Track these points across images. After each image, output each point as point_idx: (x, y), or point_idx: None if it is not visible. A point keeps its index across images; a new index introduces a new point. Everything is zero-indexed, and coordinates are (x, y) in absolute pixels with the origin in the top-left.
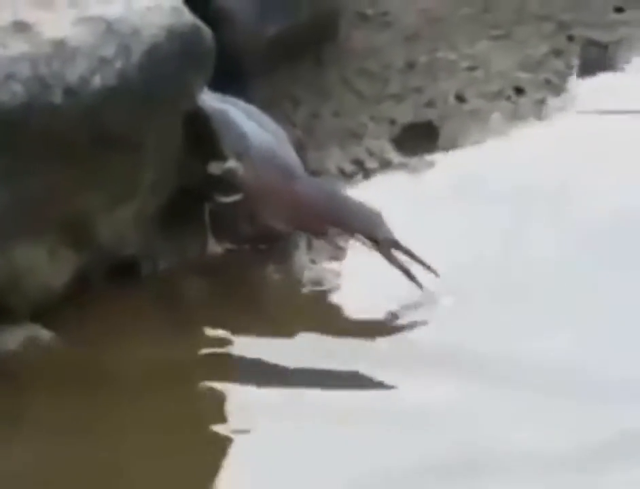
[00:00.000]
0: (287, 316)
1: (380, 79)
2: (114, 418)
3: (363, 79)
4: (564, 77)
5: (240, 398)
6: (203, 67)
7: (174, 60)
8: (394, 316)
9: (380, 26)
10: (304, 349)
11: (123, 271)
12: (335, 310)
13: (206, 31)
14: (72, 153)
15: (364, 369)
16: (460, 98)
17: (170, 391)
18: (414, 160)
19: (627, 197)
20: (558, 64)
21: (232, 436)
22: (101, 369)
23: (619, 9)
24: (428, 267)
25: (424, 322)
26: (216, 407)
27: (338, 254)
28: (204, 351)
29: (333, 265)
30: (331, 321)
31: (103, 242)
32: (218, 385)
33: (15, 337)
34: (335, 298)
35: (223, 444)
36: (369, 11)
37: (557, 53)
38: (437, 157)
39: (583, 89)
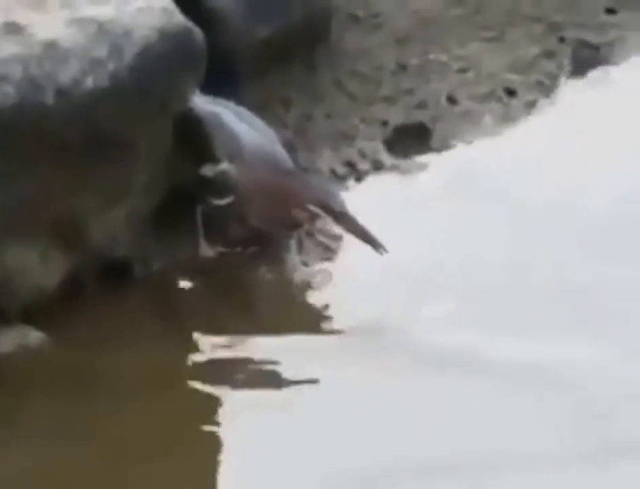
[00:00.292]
0: (279, 317)
1: (372, 80)
2: (106, 422)
3: (354, 81)
4: (555, 78)
5: (233, 401)
6: (195, 68)
7: (166, 61)
8: (386, 316)
9: (371, 28)
10: (296, 350)
11: (115, 273)
12: (328, 311)
13: (198, 32)
14: (64, 154)
15: (358, 369)
16: (452, 100)
17: (163, 394)
18: (406, 162)
19: (622, 194)
20: (550, 65)
21: (225, 439)
22: (93, 372)
23: (610, 11)
24: (377, 245)
25: (418, 322)
26: (209, 411)
27: (329, 255)
28: (196, 354)
29: (325, 266)
30: (323, 322)
31: (95, 243)
32: (211, 388)
33: (6, 339)
34: (327, 299)
35: (216, 447)
36: (361, 13)
37: (548, 54)
38: (429, 158)
39: (575, 90)
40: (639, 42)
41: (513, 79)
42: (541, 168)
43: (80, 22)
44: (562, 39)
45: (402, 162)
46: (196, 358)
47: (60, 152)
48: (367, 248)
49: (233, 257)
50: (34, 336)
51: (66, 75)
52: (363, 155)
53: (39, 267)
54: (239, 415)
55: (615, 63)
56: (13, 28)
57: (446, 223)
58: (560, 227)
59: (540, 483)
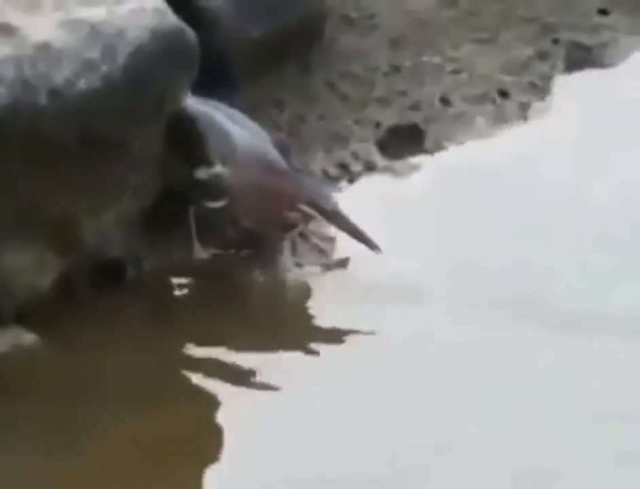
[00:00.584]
0: (273, 320)
1: (365, 82)
2: (96, 424)
3: (348, 82)
4: (549, 79)
5: (227, 404)
6: (187, 69)
7: (158, 62)
8: (380, 317)
9: (365, 30)
10: (290, 352)
11: (109, 275)
12: (321, 313)
13: (190, 33)
14: (57, 155)
15: (352, 372)
16: (446, 102)
17: (154, 397)
18: (399, 163)
19: (615, 194)
20: (543, 67)
21: (219, 443)
22: (85, 374)
23: (603, 12)
24: (371, 243)
25: (412, 323)
26: (202, 414)
27: (322, 257)
28: (189, 356)
29: (318, 268)
30: (317, 324)
31: (88, 244)
32: (203, 391)
33: (0, 340)
34: (320, 301)
35: (208, 451)
36: (355, 15)
37: (542, 56)
38: (422, 159)
39: (568, 91)
40: (632, 43)
41: (507, 80)
42: (534, 169)
43: (73, 23)
44: (555, 41)
45: (395, 164)
46: (189, 360)
47: (53, 153)
48: (361, 250)
49: (226, 258)
50: (28, 337)
51: (59, 76)
52: (356, 156)
53: (33, 269)
54: (233, 419)
55: (608, 64)
56: (7, 30)
57: (439, 224)
58: (554, 226)
59: None
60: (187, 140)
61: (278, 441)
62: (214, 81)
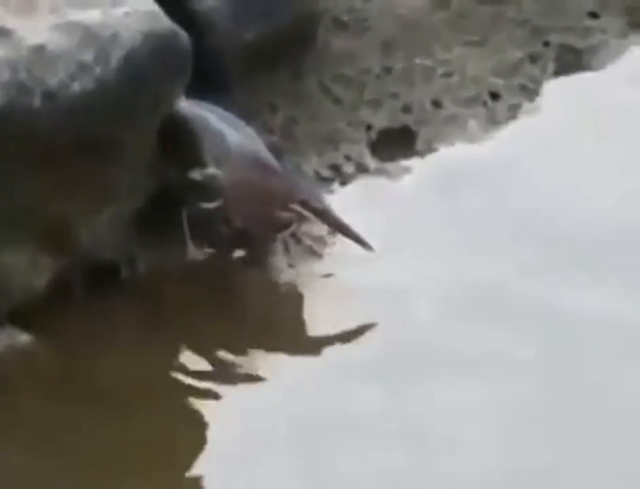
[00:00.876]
0: (265, 320)
1: (357, 84)
2: (90, 425)
3: (340, 85)
4: (539, 82)
5: (220, 405)
6: (181, 72)
7: (152, 65)
8: (372, 318)
9: (357, 33)
10: (283, 353)
11: (103, 276)
12: (314, 314)
13: (184, 36)
14: (51, 157)
15: (345, 372)
16: (437, 104)
17: (148, 397)
18: (390, 165)
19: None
20: (534, 69)
21: (213, 445)
22: (79, 375)
23: (594, 15)
24: (362, 242)
25: (404, 325)
26: (196, 414)
27: (315, 258)
28: (183, 357)
29: (311, 268)
30: (309, 325)
31: (83, 246)
32: (197, 392)
33: None
34: (313, 302)
35: (202, 453)
36: (347, 18)
37: (532, 58)
38: (414, 162)
39: (559, 94)
40: (622, 46)
41: (498, 83)
42: (525, 172)
43: (67, 26)
44: (546, 44)
45: (387, 166)
46: (182, 361)
47: (47, 154)
48: (353, 250)
49: (219, 259)
50: (22, 338)
51: (53, 78)
52: (348, 158)
53: (28, 269)
54: (227, 420)
55: (599, 67)
56: (2, 33)
57: (431, 225)
58: (544, 230)
59: None
60: (182, 141)
61: (272, 441)
62: (207, 84)
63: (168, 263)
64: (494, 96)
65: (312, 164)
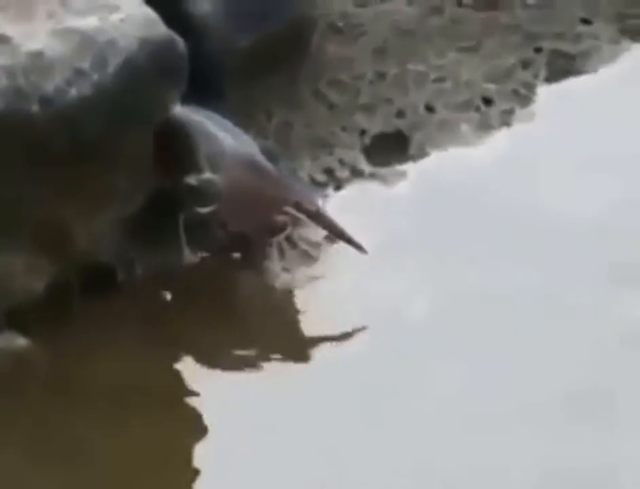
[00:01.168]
0: (261, 324)
1: (351, 90)
2: (85, 430)
3: (334, 90)
4: (531, 87)
5: (217, 409)
6: (177, 77)
7: (148, 71)
8: (368, 322)
9: (351, 38)
10: (277, 357)
11: (100, 280)
12: (309, 318)
13: (180, 42)
14: (49, 163)
15: (341, 377)
16: (430, 109)
17: (144, 402)
18: (384, 169)
19: (601, 201)
20: (526, 75)
21: (210, 449)
22: (75, 379)
23: (586, 21)
24: (357, 245)
25: (398, 328)
26: (193, 418)
27: (310, 262)
28: (179, 361)
29: (306, 272)
30: (305, 329)
31: (79, 250)
32: (194, 395)
33: None
34: (308, 306)
35: (202, 457)
36: (341, 24)
37: (525, 64)
38: (408, 166)
39: (551, 99)
40: (614, 52)
41: (490, 88)
42: (518, 176)
43: (65, 32)
44: (538, 49)
45: (381, 170)
46: (179, 364)
47: (44, 159)
48: (348, 255)
49: (215, 263)
50: (19, 341)
51: (50, 84)
52: (342, 163)
53: (25, 273)
54: (225, 422)
55: (591, 73)
56: (0, 39)
57: (424, 230)
58: (539, 234)
59: None
60: (177, 146)
61: (268, 444)
62: (202, 89)
63: (164, 266)
64: (487, 101)
65: (307, 168)
